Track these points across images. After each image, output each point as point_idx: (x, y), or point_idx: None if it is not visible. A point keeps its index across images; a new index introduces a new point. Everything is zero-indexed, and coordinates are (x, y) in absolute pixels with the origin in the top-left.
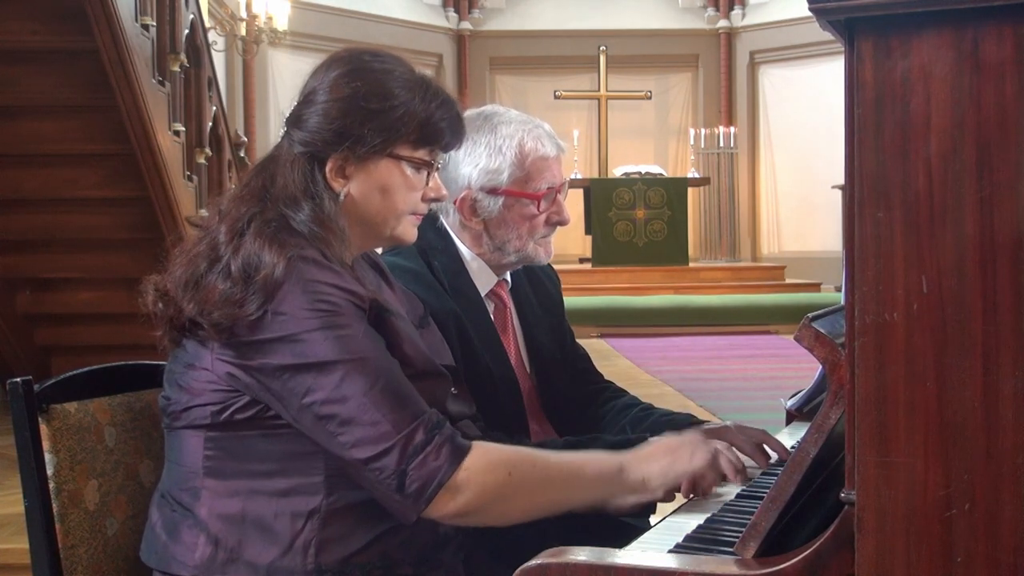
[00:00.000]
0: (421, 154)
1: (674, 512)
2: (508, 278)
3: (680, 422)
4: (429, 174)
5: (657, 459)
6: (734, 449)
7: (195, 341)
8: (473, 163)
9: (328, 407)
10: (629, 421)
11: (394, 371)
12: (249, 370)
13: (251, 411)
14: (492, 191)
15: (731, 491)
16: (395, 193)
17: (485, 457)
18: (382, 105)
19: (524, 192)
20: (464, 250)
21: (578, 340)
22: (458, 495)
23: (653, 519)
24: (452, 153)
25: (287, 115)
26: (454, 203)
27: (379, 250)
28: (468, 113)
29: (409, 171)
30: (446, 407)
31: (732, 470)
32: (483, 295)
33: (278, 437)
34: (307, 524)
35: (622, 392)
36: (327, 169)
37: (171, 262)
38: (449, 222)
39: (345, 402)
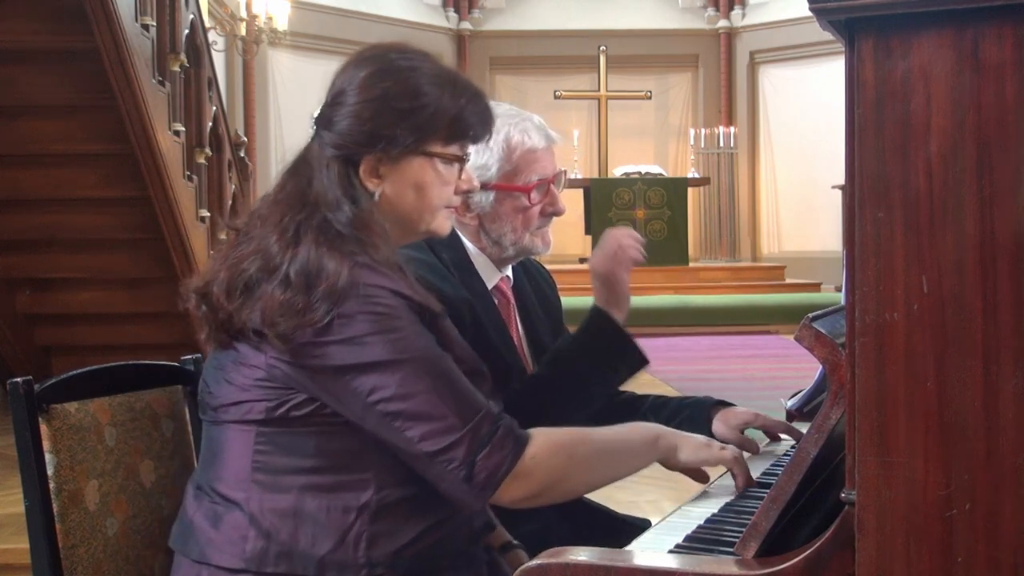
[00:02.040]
0: (452, 149)
1: (674, 512)
2: (510, 274)
3: (700, 404)
4: (461, 167)
5: (693, 438)
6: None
7: (249, 345)
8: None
9: (394, 404)
10: (649, 408)
11: (452, 367)
12: (308, 371)
13: (307, 408)
14: (482, 186)
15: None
16: (429, 189)
17: (547, 443)
18: (412, 104)
19: (514, 185)
20: (469, 245)
21: None
22: (525, 481)
23: (653, 519)
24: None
25: (315, 115)
26: None
27: None
28: None
29: (441, 167)
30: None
31: (743, 478)
32: (488, 289)
33: (331, 434)
34: (358, 518)
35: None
36: (361, 170)
37: (207, 264)
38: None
39: (411, 398)
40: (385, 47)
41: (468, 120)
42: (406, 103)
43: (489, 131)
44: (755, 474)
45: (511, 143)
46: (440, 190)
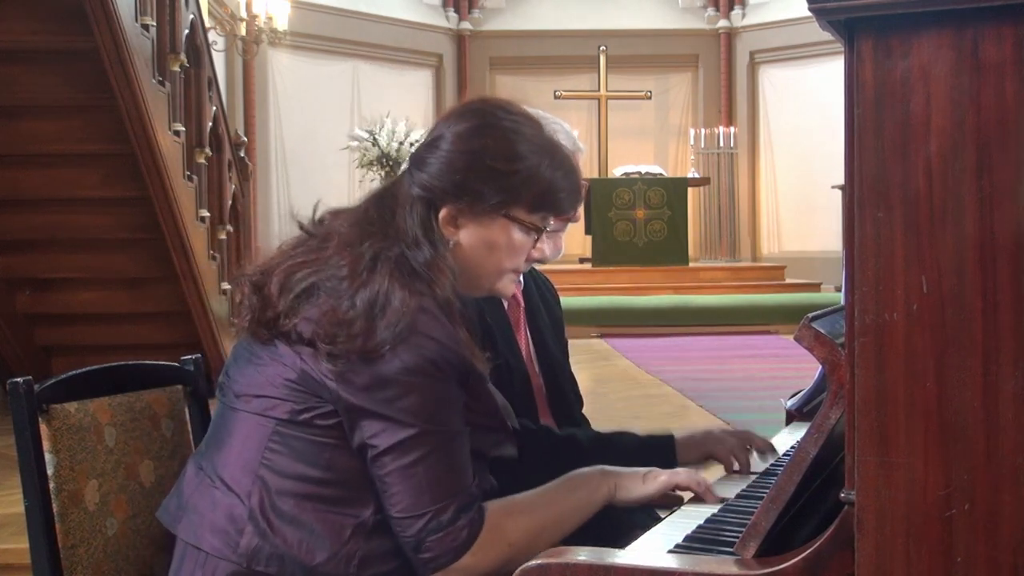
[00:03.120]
0: (535, 219)
1: (674, 512)
2: (521, 279)
3: (657, 444)
4: (539, 237)
5: (630, 476)
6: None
7: (288, 345)
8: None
9: (382, 458)
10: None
11: (457, 443)
12: (338, 390)
13: (333, 420)
14: None
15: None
16: (502, 251)
17: (489, 537)
18: (507, 167)
19: None
20: None
21: (578, 340)
22: (467, 564)
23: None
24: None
25: (412, 153)
26: None
27: None
28: None
29: (519, 233)
30: (490, 452)
31: (711, 498)
32: None
33: (344, 449)
34: (352, 537)
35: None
36: (440, 216)
37: (265, 259)
38: None
39: (399, 460)
40: (493, 103)
41: (558, 194)
42: (501, 164)
43: (576, 208)
44: (754, 475)
45: None
46: (512, 254)
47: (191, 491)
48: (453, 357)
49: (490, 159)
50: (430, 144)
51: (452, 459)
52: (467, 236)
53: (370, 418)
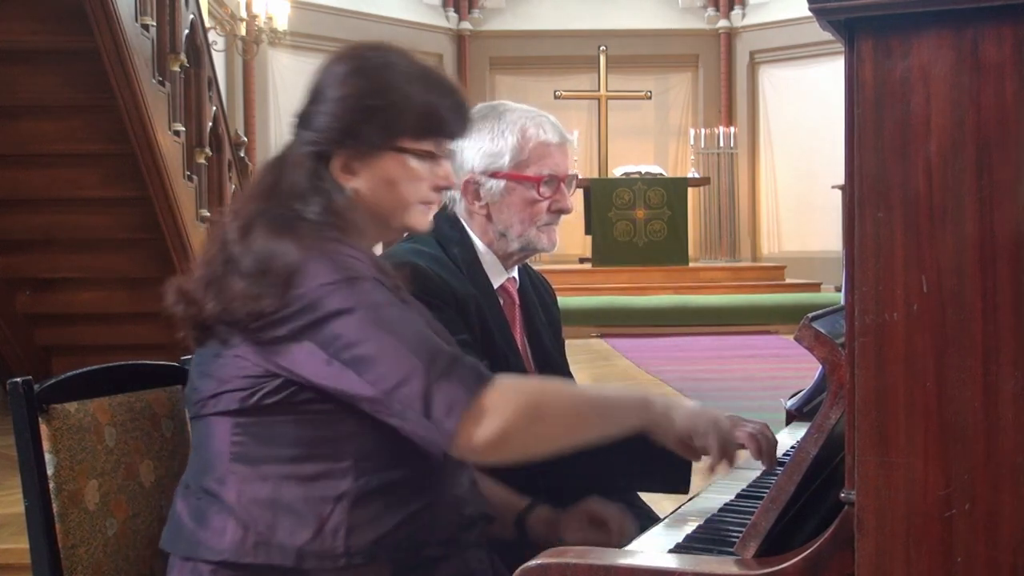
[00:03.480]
0: (425, 145)
1: (674, 512)
2: (516, 276)
3: None
4: (435, 163)
5: (685, 404)
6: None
7: (218, 338)
8: (476, 147)
9: (351, 350)
10: None
11: (413, 317)
12: (273, 345)
13: (281, 395)
14: (493, 174)
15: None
16: (401, 185)
17: (511, 383)
18: (383, 101)
19: (524, 175)
20: (478, 242)
21: (578, 340)
22: (487, 419)
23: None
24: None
25: (297, 111)
26: (459, 188)
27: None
28: (478, 106)
29: (414, 162)
30: None
31: (756, 449)
32: (495, 288)
33: (307, 422)
34: (336, 508)
35: None
36: (333, 166)
37: (193, 264)
38: (459, 211)
39: (367, 342)
40: (362, 46)
41: (440, 115)
42: (377, 99)
43: (466, 127)
44: (754, 475)
45: (526, 134)
46: (413, 186)
47: (180, 509)
48: (367, 265)
49: (365, 98)
50: (310, 100)
51: (416, 326)
52: (363, 180)
53: (314, 336)
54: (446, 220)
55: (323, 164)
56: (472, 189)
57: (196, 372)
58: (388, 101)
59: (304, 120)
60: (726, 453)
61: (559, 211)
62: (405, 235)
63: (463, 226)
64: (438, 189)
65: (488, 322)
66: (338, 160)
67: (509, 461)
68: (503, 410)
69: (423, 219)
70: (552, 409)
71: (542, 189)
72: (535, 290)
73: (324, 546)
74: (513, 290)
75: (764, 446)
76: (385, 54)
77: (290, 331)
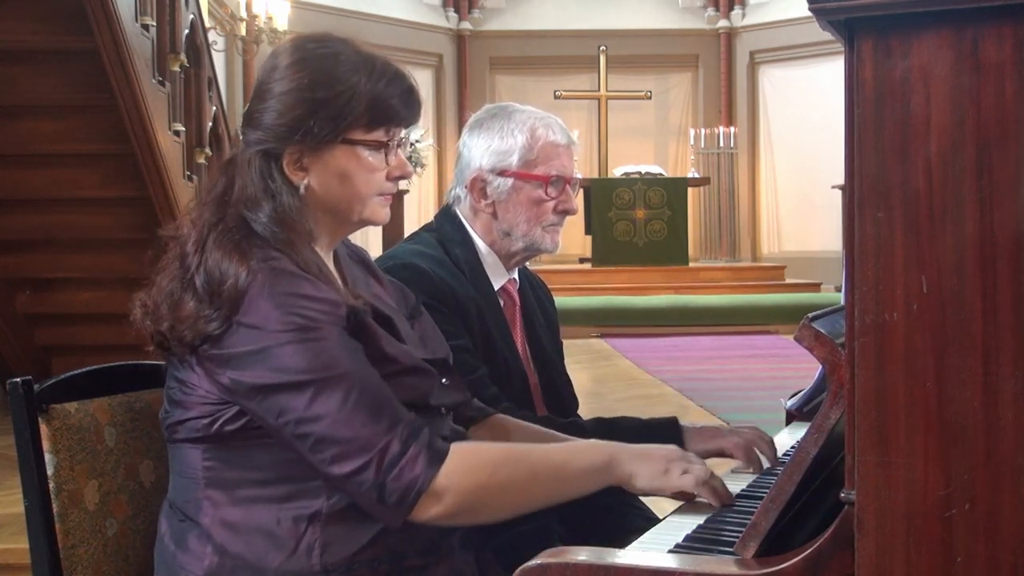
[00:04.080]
0: (376, 135)
1: (674, 512)
2: (516, 277)
3: (660, 426)
4: (388, 153)
5: (651, 462)
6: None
7: (174, 357)
8: (485, 145)
9: (302, 427)
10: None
11: (370, 380)
12: (224, 387)
13: (239, 422)
14: (501, 172)
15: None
16: (355, 178)
17: (464, 460)
18: (329, 92)
19: (532, 174)
20: (479, 243)
21: (578, 340)
22: (440, 500)
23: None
24: (465, 139)
25: (244, 112)
26: (465, 185)
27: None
28: (486, 107)
29: (366, 154)
30: (431, 401)
31: (716, 499)
32: (495, 290)
33: (271, 445)
34: (309, 527)
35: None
36: (284, 164)
37: (157, 275)
38: (462, 210)
39: (318, 421)
40: (304, 37)
41: (388, 103)
42: (321, 92)
43: (417, 114)
44: (754, 475)
45: (535, 134)
46: (367, 178)
47: (164, 531)
48: (319, 305)
49: (311, 91)
50: (255, 98)
51: (371, 398)
52: (316, 175)
53: (266, 400)
54: (448, 219)
55: (273, 163)
56: (479, 187)
57: (166, 397)
58: (334, 92)
59: (250, 119)
60: (717, 489)
61: (564, 212)
62: (361, 227)
63: (465, 226)
64: (394, 179)
65: (488, 324)
66: (288, 157)
67: (465, 526)
68: (457, 490)
69: (382, 211)
70: (508, 482)
71: (549, 189)
72: (533, 291)
73: (300, 565)
74: (514, 291)
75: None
76: (327, 44)
77: (239, 380)
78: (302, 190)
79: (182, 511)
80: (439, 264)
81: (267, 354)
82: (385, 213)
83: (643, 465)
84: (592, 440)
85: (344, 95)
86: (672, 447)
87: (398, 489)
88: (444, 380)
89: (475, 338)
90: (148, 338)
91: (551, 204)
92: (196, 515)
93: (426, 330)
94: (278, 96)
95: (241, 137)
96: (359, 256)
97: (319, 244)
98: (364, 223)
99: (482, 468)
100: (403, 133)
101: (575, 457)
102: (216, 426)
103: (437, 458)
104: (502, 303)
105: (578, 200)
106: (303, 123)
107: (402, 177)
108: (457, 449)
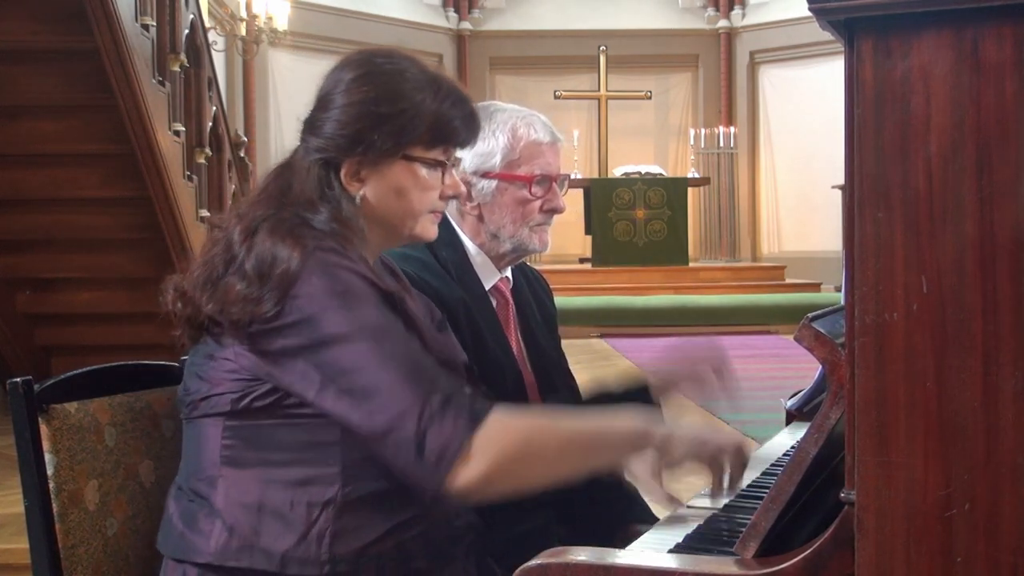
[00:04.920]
0: (435, 154)
1: (674, 512)
2: (510, 275)
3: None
4: (444, 172)
5: (687, 427)
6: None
7: (214, 338)
8: (468, 148)
9: (346, 379)
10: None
11: (412, 345)
12: (268, 356)
13: (270, 399)
14: (485, 174)
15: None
16: (410, 194)
17: (503, 423)
18: (393, 108)
19: (515, 175)
20: (468, 244)
21: (578, 340)
22: (477, 461)
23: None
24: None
25: (303, 119)
26: None
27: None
28: None
29: (423, 171)
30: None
31: (734, 472)
32: (487, 289)
33: (296, 426)
34: (322, 514)
35: None
36: (342, 173)
37: (191, 263)
38: (450, 212)
39: (362, 372)
40: (371, 51)
41: (451, 123)
42: (386, 107)
43: (475, 135)
44: (754, 475)
45: (516, 133)
46: (422, 195)
47: (172, 511)
48: (364, 279)
49: (376, 105)
50: (318, 106)
51: (414, 357)
52: (373, 187)
53: (310, 359)
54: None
55: (332, 172)
56: (463, 192)
57: (188, 373)
58: (398, 109)
59: (312, 126)
60: (736, 465)
61: (551, 211)
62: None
63: (453, 227)
64: (446, 198)
65: (479, 326)
66: (347, 168)
67: (498, 499)
68: (494, 452)
69: (432, 228)
70: (544, 447)
71: (534, 189)
72: (530, 287)
73: (308, 552)
74: (507, 290)
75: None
76: (395, 60)
77: (285, 347)
78: (357, 200)
79: (193, 491)
80: (424, 267)
81: (312, 319)
82: (434, 230)
83: (681, 428)
84: (626, 409)
85: (408, 112)
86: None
87: (438, 443)
88: (467, 389)
89: (465, 339)
90: (177, 321)
91: (537, 204)
92: (209, 494)
93: (449, 344)
94: (342, 107)
95: (301, 143)
96: (390, 267)
97: (367, 253)
98: (413, 239)
99: (520, 432)
100: (459, 154)
101: (612, 424)
102: (245, 401)
103: (477, 418)
104: (495, 302)
105: (578, 199)
106: (365, 136)
107: (454, 196)
108: (496, 412)
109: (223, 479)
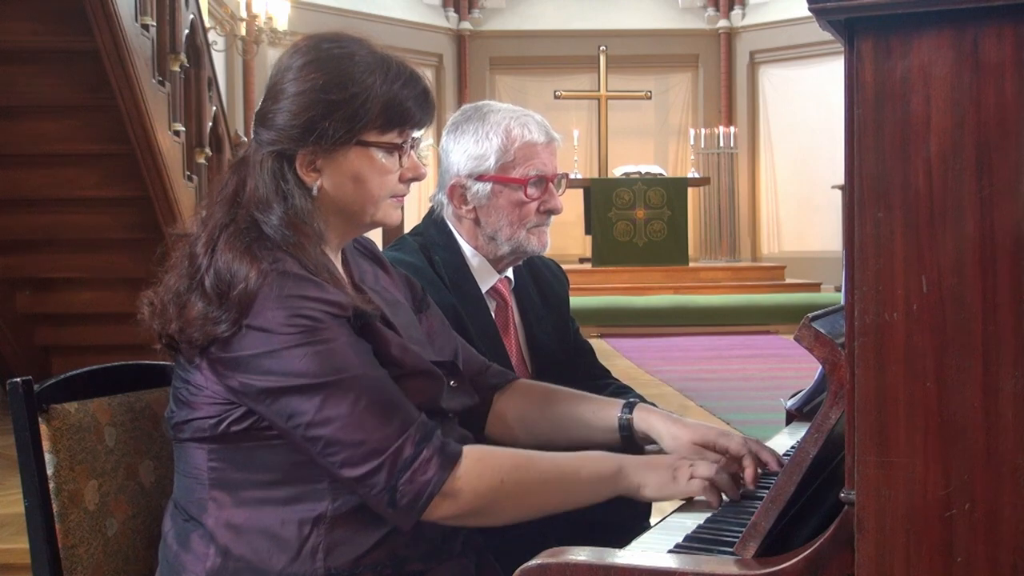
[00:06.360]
0: (390, 137)
1: (674, 512)
2: (511, 276)
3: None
4: (402, 155)
5: (658, 470)
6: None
7: (184, 358)
8: (461, 150)
9: (312, 430)
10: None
11: (380, 381)
12: (233, 389)
13: (246, 422)
14: (479, 177)
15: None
16: (368, 181)
17: (477, 464)
18: (343, 94)
19: (510, 177)
20: (465, 246)
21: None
22: (451, 501)
23: (653, 519)
24: (444, 142)
25: (256, 111)
26: (445, 192)
27: (373, 243)
28: (463, 108)
29: (380, 156)
30: (440, 404)
31: (726, 497)
32: (484, 292)
33: (277, 447)
34: (314, 530)
35: (625, 388)
36: (297, 165)
37: (164, 274)
38: (447, 215)
39: (329, 424)
40: (319, 37)
41: (403, 105)
42: (337, 93)
43: (431, 116)
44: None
45: (511, 135)
46: (381, 180)
47: (167, 530)
48: (326, 307)
49: (325, 92)
50: (269, 98)
51: (382, 399)
52: (329, 177)
53: (276, 403)
54: (433, 224)
55: (286, 164)
56: (458, 193)
57: (172, 396)
58: (349, 94)
59: (263, 119)
60: (724, 488)
61: (548, 212)
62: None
63: (450, 230)
64: (407, 181)
65: (468, 330)
66: (301, 159)
67: (471, 527)
68: (466, 495)
69: (394, 213)
70: (517, 486)
71: (530, 190)
72: (538, 280)
73: (304, 568)
74: (506, 291)
75: (724, 489)
76: (343, 44)
77: (247, 385)
78: (315, 191)
79: (186, 511)
80: (416, 271)
81: (276, 357)
82: (397, 215)
83: (650, 475)
84: (601, 452)
85: (359, 97)
86: (675, 456)
87: (410, 493)
88: (452, 383)
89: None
90: (156, 337)
91: (533, 205)
92: (200, 515)
93: (434, 326)
94: (292, 97)
95: (253, 136)
96: (366, 248)
97: (328, 245)
98: (376, 225)
99: (494, 473)
100: (416, 135)
101: (585, 466)
102: (223, 426)
103: (449, 461)
104: (493, 305)
105: (578, 199)
106: (317, 125)
107: (415, 179)
108: (469, 452)
109: (212, 501)
